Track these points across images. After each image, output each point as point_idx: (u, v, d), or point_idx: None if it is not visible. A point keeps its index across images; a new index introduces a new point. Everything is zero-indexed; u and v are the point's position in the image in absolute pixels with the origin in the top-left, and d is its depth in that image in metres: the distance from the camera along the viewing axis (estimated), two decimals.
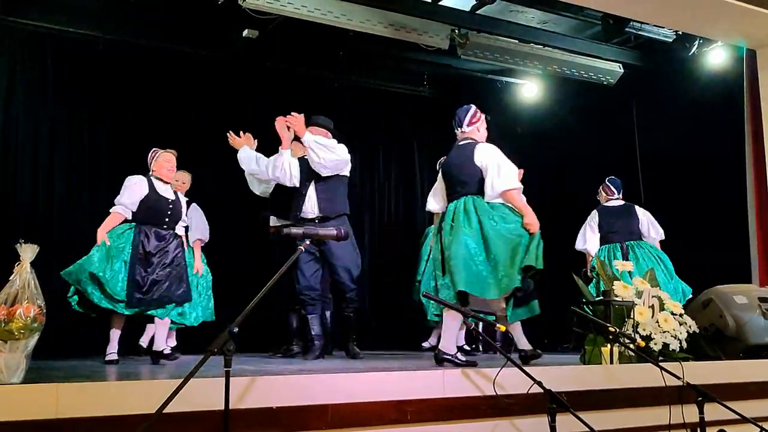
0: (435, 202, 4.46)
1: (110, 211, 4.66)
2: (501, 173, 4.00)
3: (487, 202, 4.02)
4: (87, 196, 6.35)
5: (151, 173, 4.79)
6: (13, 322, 2.48)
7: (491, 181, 3.98)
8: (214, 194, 6.18)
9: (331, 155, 4.91)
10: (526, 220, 3.94)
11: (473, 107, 4.33)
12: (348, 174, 5.17)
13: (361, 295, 7.11)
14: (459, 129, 4.30)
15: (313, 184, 5.00)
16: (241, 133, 5.40)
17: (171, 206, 4.76)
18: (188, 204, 5.30)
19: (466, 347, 5.99)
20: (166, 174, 4.78)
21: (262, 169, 5.21)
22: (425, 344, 6.50)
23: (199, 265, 5.39)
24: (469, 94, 8.16)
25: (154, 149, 4.88)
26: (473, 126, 4.27)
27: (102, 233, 4.50)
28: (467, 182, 4.06)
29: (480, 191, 4.03)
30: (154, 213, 4.68)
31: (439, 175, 4.33)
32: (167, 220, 4.72)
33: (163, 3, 6.14)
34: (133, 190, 4.66)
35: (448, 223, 3.99)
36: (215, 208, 6.03)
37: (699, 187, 6.65)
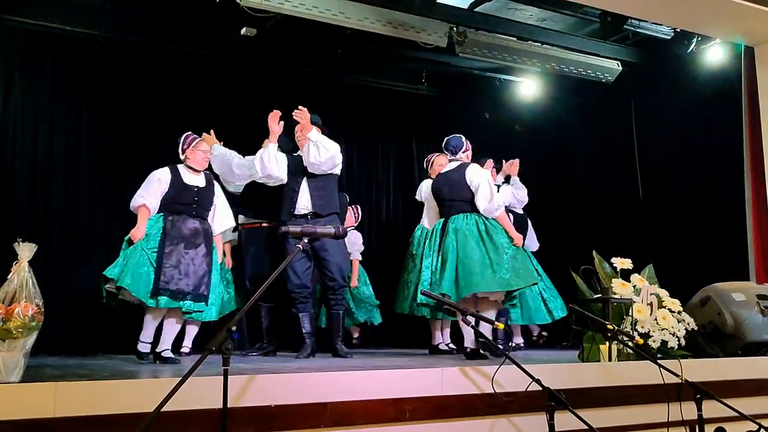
0: None
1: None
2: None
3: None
4: (85, 195, 6.35)
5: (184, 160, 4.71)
6: (12, 320, 2.48)
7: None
8: None
9: (328, 154, 4.91)
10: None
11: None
12: (339, 173, 5.17)
13: None
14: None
15: (305, 180, 4.99)
16: (209, 132, 5.39)
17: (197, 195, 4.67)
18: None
19: (452, 346, 5.98)
20: (200, 162, 4.73)
21: (238, 171, 5.27)
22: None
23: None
24: (468, 92, 8.18)
25: (186, 135, 4.78)
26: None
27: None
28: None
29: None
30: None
31: None
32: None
33: (162, 2, 6.13)
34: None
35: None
36: None
37: (697, 184, 6.66)
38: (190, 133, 4.80)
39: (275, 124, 4.99)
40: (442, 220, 4.97)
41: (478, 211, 4.82)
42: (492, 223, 4.79)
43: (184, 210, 4.58)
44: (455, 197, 4.91)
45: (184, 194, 4.61)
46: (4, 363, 2.46)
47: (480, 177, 4.85)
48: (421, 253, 5.93)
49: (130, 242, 4.41)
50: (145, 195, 4.53)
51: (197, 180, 4.71)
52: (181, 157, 4.73)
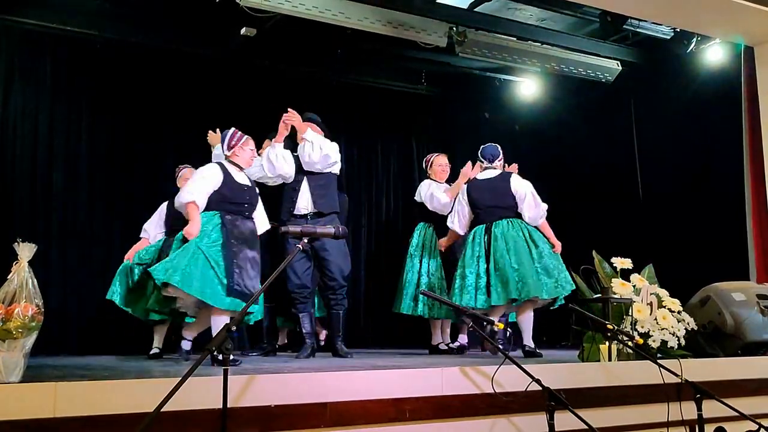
0: None
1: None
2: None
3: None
4: (85, 195, 6.35)
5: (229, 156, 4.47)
6: (12, 321, 2.48)
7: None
8: None
9: (322, 153, 4.91)
10: None
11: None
12: (338, 172, 5.17)
13: (356, 293, 7.14)
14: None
15: (305, 179, 4.99)
16: (215, 131, 5.28)
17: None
18: None
19: (452, 345, 5.97)
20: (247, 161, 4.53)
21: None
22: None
23: None
24: (468, 92, 8.19)
25: (235, 130, 4.54)
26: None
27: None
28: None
29: None
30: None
31: None
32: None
33: (162, 2, 6.13)
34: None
35: None
36: None
37: (697, 184, 6.66)
38: (236, 129, 4.55)
39: (285, 128, 4.95)
40: (484, 225, 5.11)
41: (519, 217, 5.09)
42: (533, 229, 5.07)
43: (238, 210, 4.37)
44: (498, 204, 5.13)
45: (239, 194, 4.39)
46: (4, 363, 2.46)
47: (525, 187, 5.14)
48: (420, 253, 5.96)
49: (184, 240, 4.17)
50: (194, 191, 4.27)
51: (245, 179, 4.51)
52: (227, 153, 4.47)
